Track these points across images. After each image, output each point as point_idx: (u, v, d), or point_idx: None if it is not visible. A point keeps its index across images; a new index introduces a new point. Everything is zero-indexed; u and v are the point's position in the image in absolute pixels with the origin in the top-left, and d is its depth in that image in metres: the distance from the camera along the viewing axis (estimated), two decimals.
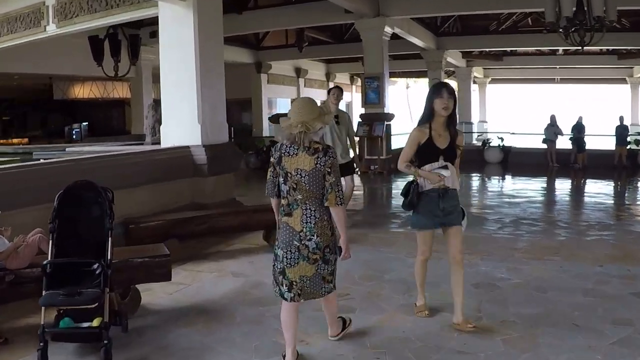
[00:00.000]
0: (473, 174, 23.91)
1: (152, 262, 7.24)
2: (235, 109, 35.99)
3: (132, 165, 10.73)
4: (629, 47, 31.22)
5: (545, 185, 21.43)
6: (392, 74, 43.06)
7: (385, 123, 23.32)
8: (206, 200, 11.88)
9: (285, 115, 5.56)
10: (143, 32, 23.14)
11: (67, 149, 15.62)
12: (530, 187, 19.85)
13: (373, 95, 23.31)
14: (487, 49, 35.58)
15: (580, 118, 26.41)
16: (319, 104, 6.04)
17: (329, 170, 5.29)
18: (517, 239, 11.58)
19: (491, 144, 27.61)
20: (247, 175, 23.27)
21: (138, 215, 10.00)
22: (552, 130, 25.98)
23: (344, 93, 13.36)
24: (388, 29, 23.15)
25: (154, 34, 23.38)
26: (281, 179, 5.40)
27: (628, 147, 25.60)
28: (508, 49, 36.12)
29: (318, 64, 41.60)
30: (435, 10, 24.41)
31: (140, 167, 10.84)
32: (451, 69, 39.81)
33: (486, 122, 47.64)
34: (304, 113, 5.30)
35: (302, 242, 5.32)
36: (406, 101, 72.36)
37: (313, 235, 5.31)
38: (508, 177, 23.79)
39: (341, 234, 5.53)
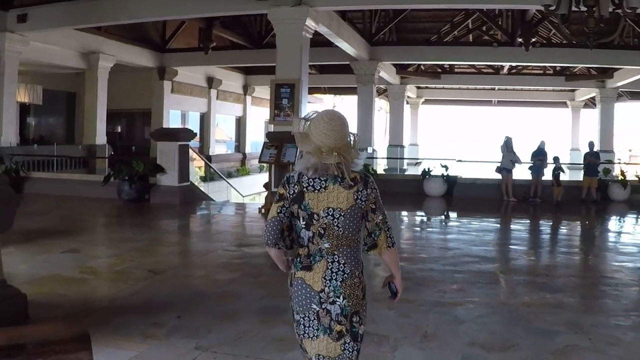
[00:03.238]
0: (409, 213, 18.62)
1: None
2: (136, 121, 30.55)
3: None
4: (579, 65, 29.63)
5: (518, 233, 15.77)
6: (317, 90, 39.25)
7: None
8: None
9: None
10: (10, 16, 20.01)
11: None
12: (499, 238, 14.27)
13: (285, 108, 16.88)
14: (425, 62, 31.43)
15: (543, 143, 20.90)
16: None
17: (374, 206, 3.88)
18: None
19: (432, 174, 21.37)
20: (119, 211, 17.23)
21: None
22: (509, 157, 20.24)
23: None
24: (311, 23, 17.28)
25: (24, 18, 17.96)
26: (301, 222, 3.85)
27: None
28: (447, 64, 32.59)
29: (234, 74, 36.14)
30: (370, 2, 19.57)
31: None
32: (383, 86, 35.64)
33: (417, 145, 44.28)
34: (341, 136, 3.82)
35: (323, 306, 3.82)
36: None
37: (338, 297, 3.82)
38: (455, 217, 18.01)
39: (396, 275, 4.07)
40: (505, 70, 32.55)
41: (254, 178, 30.77)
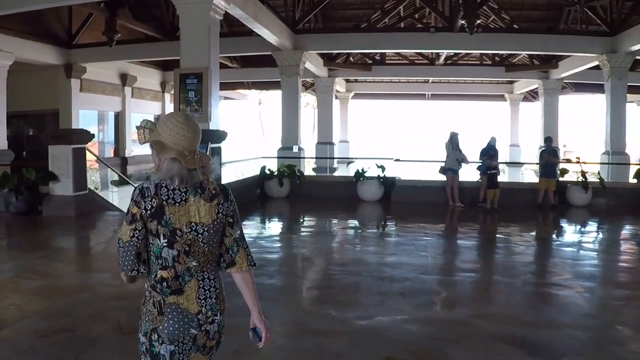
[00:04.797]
0: (340, 222, 15.90)
1: None
2: (46, 124, 27.86)
3: None
4: (522, 52, 27.56)
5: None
6: (240, 85, 36.73)
7: (211, 146, 14.24)
8: None
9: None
10: None
11: None
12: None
13: (192, 102, 14.18)
14: (355, 51, 28.70)
15: (493, 139, 18.47)
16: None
17: (231, 220, 3.62)
18: None
19: (367, 175, 19.08)
20: (2, 228, 14.21)
21: None
22: (454, 156, 17.82)
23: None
24: (220, 2, 14.66)
25: None
26: (162, 241, 3.44)
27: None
28: (379, 52, 30.31)
29: (151, 70, 33.09)
30: None
31: None
32: (310, 79, 33.47)
33: (348, 142, 42.07)
34: (199, 138, 3.57)
35: (203, 328, 3.51)
36: (258, 119, 66.17)
37: (216, 315, 3.56)
38: (396, 229, 15.12)
39: (255, 311, 3.70)
40: (441, 60, 30.31)
41: None
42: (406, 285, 8.99)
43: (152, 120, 3.88)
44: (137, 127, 3.56)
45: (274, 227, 16.08)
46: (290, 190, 19.81)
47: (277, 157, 22.61)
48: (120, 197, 19.80)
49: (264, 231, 14.82)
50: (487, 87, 39.90)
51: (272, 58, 24.20)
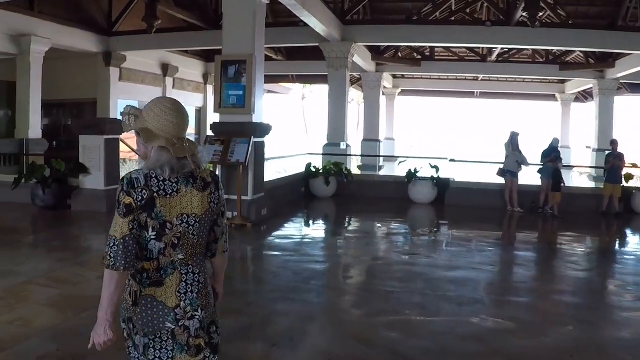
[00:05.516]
0: (392, 228, 14.42)
1: None
2: (85, 113, 27.03)
3: None
4: (578, 49, 26.37)
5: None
6: (284, 78, 36.00)
7: (253, 140, 12.86)
8: None
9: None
10: None
11: None
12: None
13: (234, 92, 12.93)
14: (406, 44, 27.49)
15: (556, 141, 17.40)
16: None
17: (223, 209, 3.54)
18: None
19: (419, 176, 17.83)
20: (27, 222, 13.38)
21: None
22: (514, 157, 16.49)
23: None
24: None
25: None
26: (150, 233, 3.23)
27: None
28: (429, 46, 29.04)
29: (193, 60, 32.03)
30: None
31: None
32: (356, 74, 32.25)
33: (393, 139, 40.32)
34: (186, 124, 3.37)
35: (180, 323, 3.32)
36: (302, 115, 65.31)
37: (197, 310, 3.37)
38: (456, 238, 13.43)
39: (220, 282, 3.76)
40: (493, 57, 28.92)
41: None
42: (477, 309, 7.59)
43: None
44: (121, 114, 3.31)
45: (320, 231, 14.91)
46: (337, 189, 18.70)
47: (323, 154, 21.54)
48: None
49: (308, 235, 13.61)
50: (538, 86, 38.37)
51: (318, 51, 23.12)
